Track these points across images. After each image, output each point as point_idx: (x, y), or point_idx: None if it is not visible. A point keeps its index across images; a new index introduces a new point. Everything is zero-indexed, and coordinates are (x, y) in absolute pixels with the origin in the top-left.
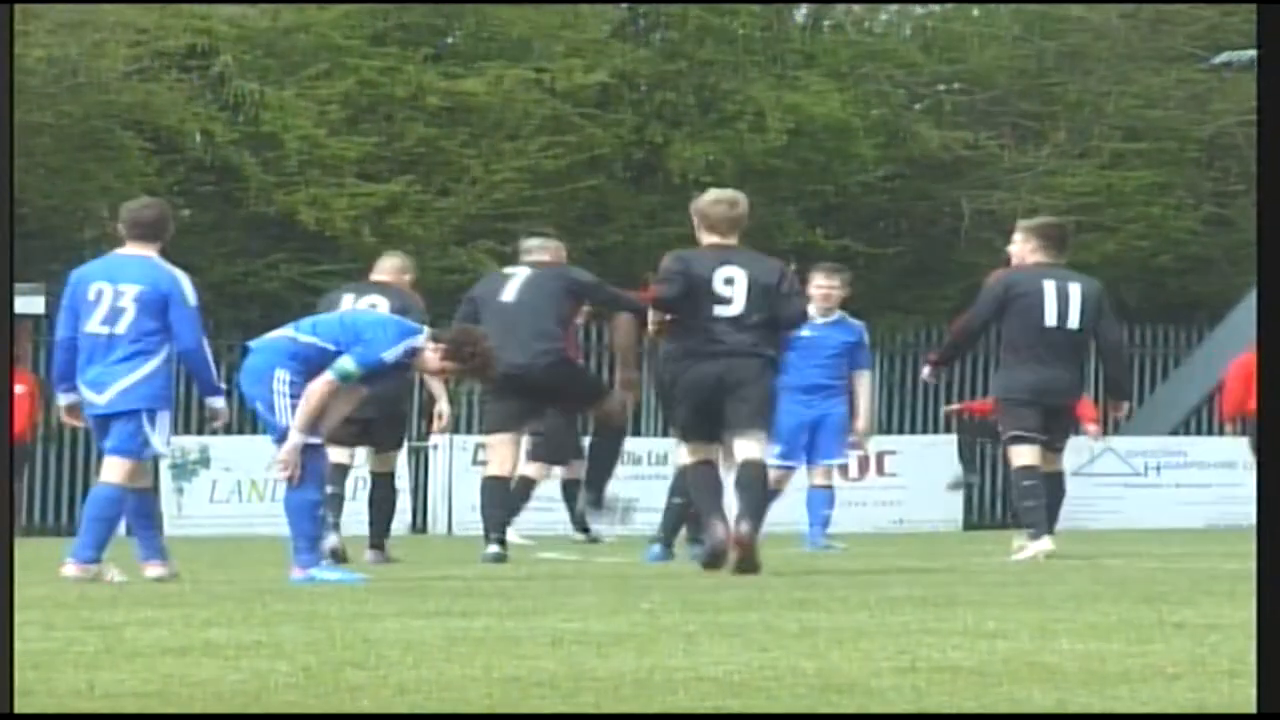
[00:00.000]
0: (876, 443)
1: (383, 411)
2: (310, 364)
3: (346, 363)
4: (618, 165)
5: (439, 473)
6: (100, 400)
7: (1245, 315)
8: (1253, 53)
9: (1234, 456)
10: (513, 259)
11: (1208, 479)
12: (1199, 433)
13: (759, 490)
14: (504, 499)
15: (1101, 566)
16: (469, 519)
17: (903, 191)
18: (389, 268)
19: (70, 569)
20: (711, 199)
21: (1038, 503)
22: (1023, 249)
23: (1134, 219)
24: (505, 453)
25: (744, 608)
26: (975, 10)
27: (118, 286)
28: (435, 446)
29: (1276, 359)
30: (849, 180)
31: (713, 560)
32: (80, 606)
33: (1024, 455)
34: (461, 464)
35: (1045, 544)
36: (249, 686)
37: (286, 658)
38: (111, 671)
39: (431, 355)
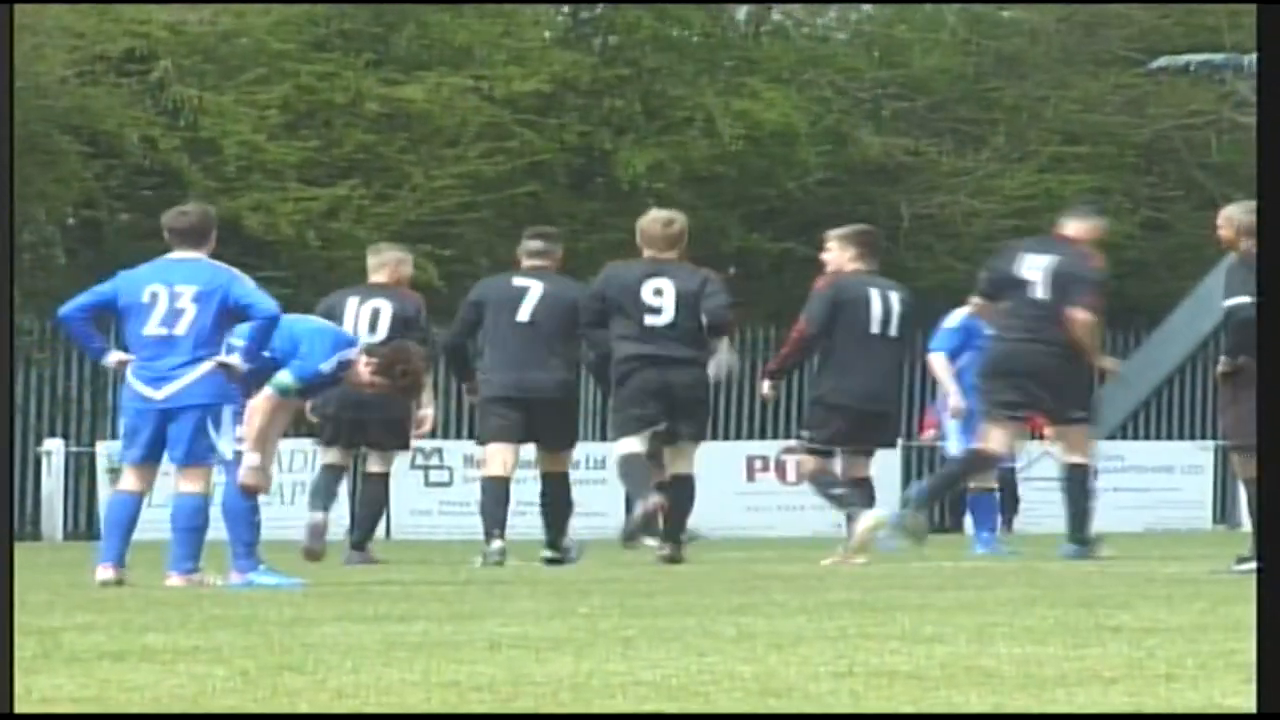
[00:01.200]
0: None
1: (384, 413)
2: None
3: (284, 377)
4: (559, 171)
5: None
6: (158, 396)
7: (1183, 320)
8: (1189, 58)
9: (1172, 461)
10: (451, 263)
11: (1146, 483)
12: (1137, 437)
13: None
14: (504, 498)
15: (1039, 570)
16: (407, 524)
17: (843, 196)
18: (388, 262)
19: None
20: (649, 218)
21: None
22: (840, 257)
23: None
24: (505, 456)
25: (682, 612)
26: (916, 14)
27: (174, 288)
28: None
29: (1277, 359)
30: (791, 185)
31: (634, 531)
32: (19, 611)
33: (810, 463)
34: (400, 468)
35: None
36: (186, 691)
37: (224, 662)
38: (49, 676)
39: (364, 369)
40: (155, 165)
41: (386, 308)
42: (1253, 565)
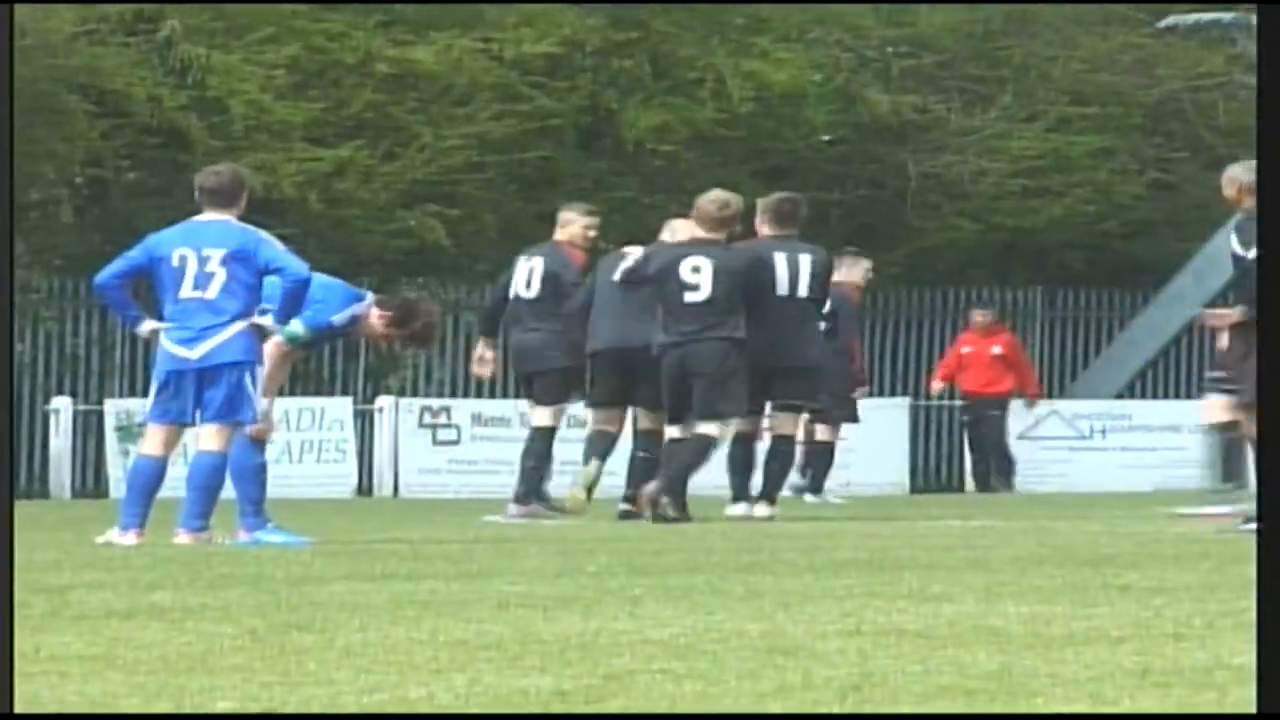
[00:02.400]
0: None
1: (540, 363)
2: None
3: (296, 326)
4: (567, 132)
5: (385, 436)
6: (193, 355)
7: (1189, 280)
8: (1197, 16)
9: (1179, 420)
10: (458, 223)
11: (1153, 442)
12: (1144, 396)
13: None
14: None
15: (1047, 530)
16: (415, 482)
17: (851, 155)
18: (562, 220)
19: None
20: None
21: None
22: (758, 224)
23: (1080, 183)
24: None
25: (689, 571)
26: None
27: (202, 251)
28: (381, 409)
29: (1277, 358)
30: (799, 144)
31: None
32: (27, 569)
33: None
34: (408, 427)
35: (763, 509)
36: (195, 649)
37: (233, 621)
38: (57, 635)
39: (376, 321)
40: (162, 124)
41: (539, 264)
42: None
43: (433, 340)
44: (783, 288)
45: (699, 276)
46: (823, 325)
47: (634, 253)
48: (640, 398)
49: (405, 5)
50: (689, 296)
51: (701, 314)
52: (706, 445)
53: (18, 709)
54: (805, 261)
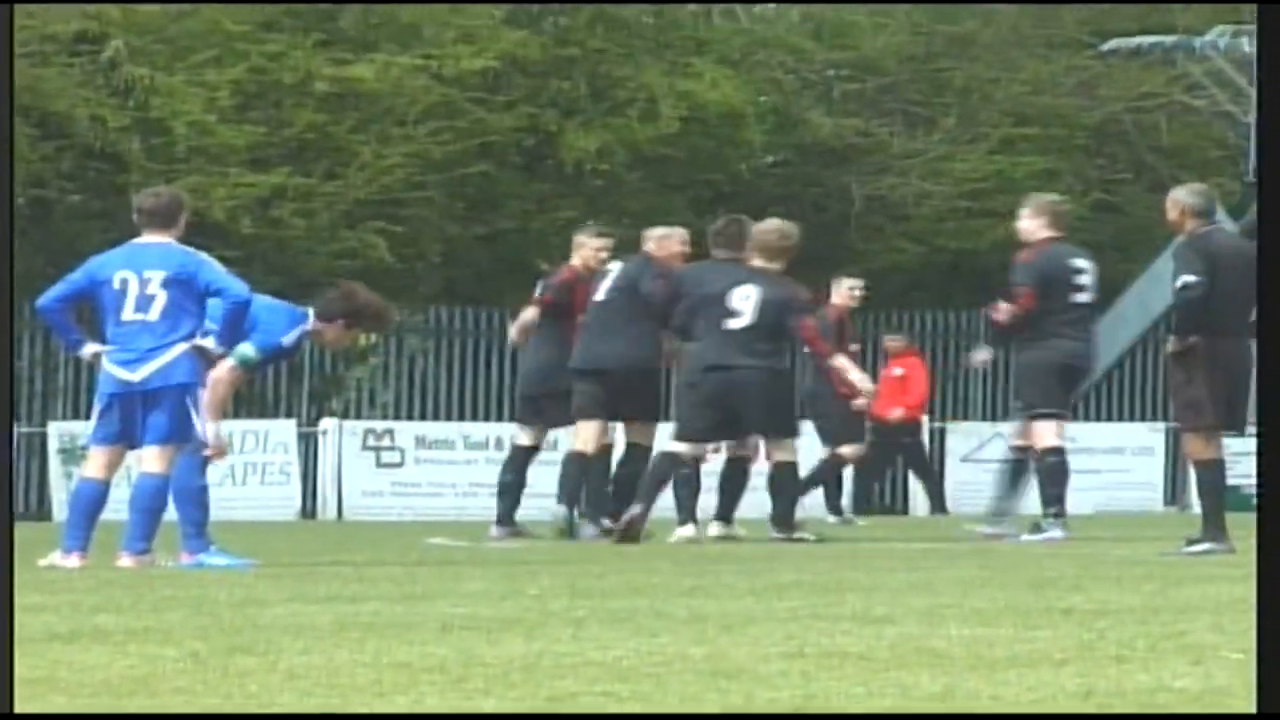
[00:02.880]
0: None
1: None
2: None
3: (247, 349)
4: (509, 152)
5: (329, 459)
6: (135, 377)
7: (1134, 302)
8: (1140, 40)
9: (1123, 442)
10: (401, 241)
11: (1096, 464)
12: (1089, 418)
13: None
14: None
15: (990, 551)
16: (359, 504)
17: (793, 178)
18: (575, 244)
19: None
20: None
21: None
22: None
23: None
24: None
25: (633, 593)
26: None
27: (143, 274)
28: (324, 432)
29: (1277, 358)
30: (739, 167)
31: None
32: None
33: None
34: (352, 450)
35: (688, 530)
36: (137, 672)
37: (175, 643)
38: None
39: (330, 330)
40: (105, 146)
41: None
42: (1204, 547)
43: (388, 315)
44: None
45: (746, 304)
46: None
47: (614, 269)
48: (625, 413)
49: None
50: (731, 323)
51: (744, 341)
52: (793, 468)
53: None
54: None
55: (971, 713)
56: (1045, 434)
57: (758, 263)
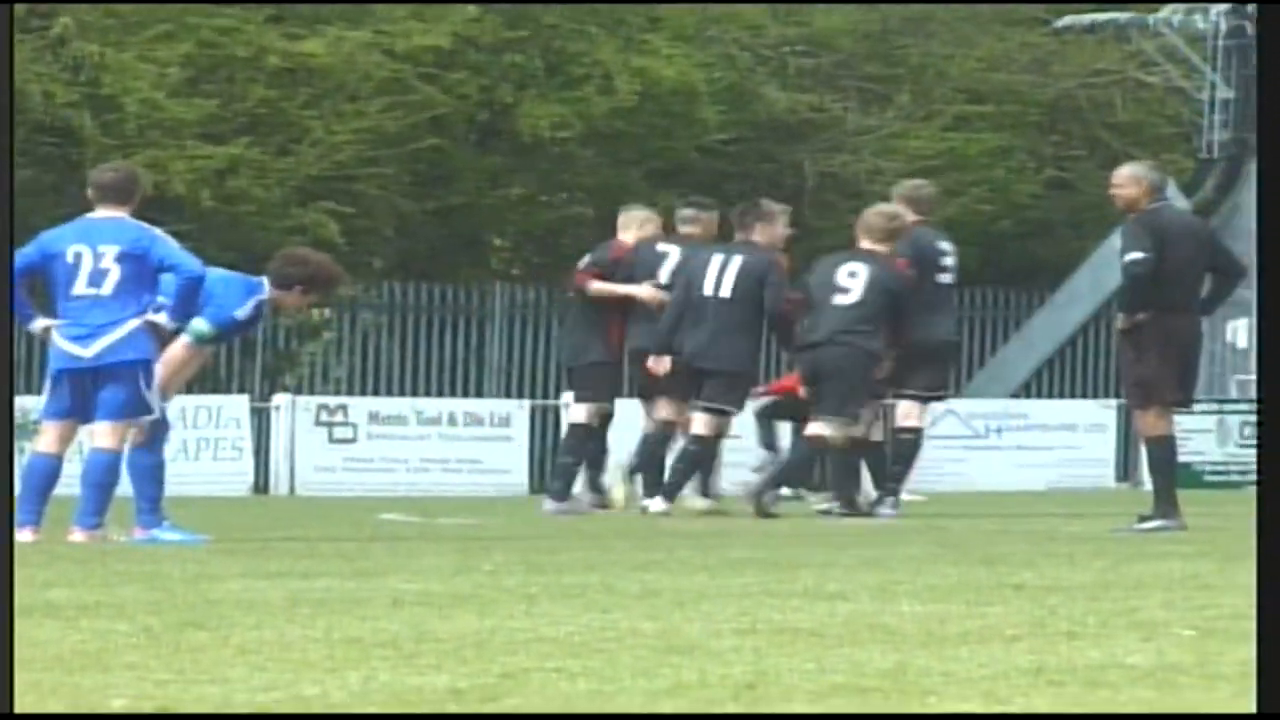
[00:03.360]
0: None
1: (576, 361)
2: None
3: (201, 325)
4: (460, 127)
5: (282, 434)
6: (87, 353)
7: (1086, 279)
8: (1094, 16)
9: (1075, 419)
10: (352, 219)
11: (1049, 441)
12: (1040, 395)
13: None
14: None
15: (942, 529)
16: (312, 480)
17: (747, 154)
18: (632, 221)
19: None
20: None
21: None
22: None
23: (976, 182)
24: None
25: (585, 569)
26: None
27: (97, 248)
28: (277, 408)
29: (1277, 358)
30: (694, 143)
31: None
32: None
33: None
34: (305, 425)
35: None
36: (89, 647)
37: (127, 618)
38: None
39: (288, 297)
40: (55, 122)
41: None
42: (1155, 524)
43: (341, 277)
44: (709, 288)
45: (854, 281)
46: None
47: (672, 251)
48: (665, 390)
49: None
50: (838, 299)
51: (846, 318)
52: (819, 446)
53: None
54: (735, 262)
55: (922, 689)
56: (910, 414)
57: (865, 244)
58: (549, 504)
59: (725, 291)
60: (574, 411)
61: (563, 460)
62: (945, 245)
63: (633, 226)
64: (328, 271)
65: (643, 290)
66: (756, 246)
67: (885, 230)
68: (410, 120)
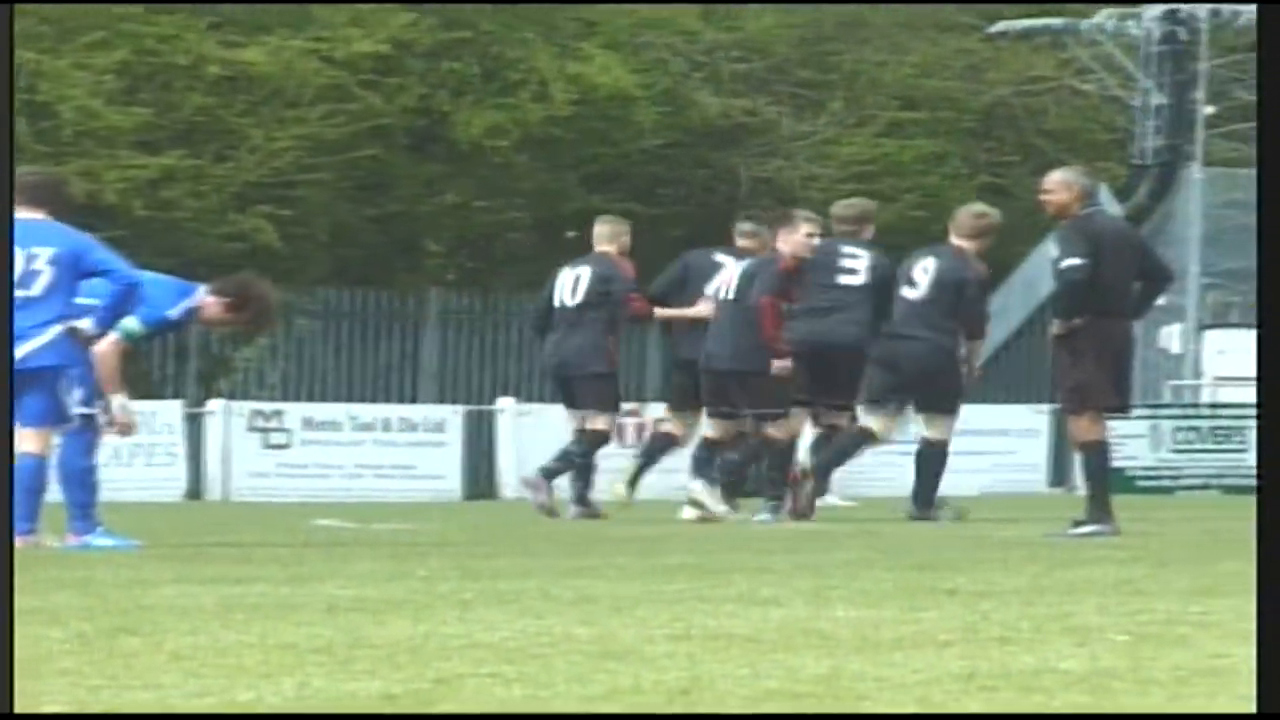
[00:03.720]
0: (652, 410)
1: (582, 370)
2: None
3: (131, 323)
4: (398, 134)
5: (215, 439)
6: (15, 355)
7: (1019, 285)
8: (1028, 23)
9: (1008, 424)
10: (290, 224)
11: (982, 446)
12: (974, 400)
13: None
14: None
15: (876, 533)
16: (246, 485)
17: (682, 159)
18: (605, 235)
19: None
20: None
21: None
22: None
23: (911, 188)
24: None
25: (520, 575)
26: None
27: (30, 250)
28: (211, 413)
29: (1276, 358)
30: (629, 148)
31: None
32: None
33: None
34: (239, 430)
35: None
36: (23, 653)
37: (61, 624)
38: None
39: (214, 308)
40: None
41: (585, 272)
42: (1089, 528)
43: (273, 321)
44: (728, 292)
45: (924, 276)
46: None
47: (728, 262)
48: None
49: (236, 5)
50: (906, 292)
51: (916, 312)
52: (943, 447)
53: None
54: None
55: (856, 694)
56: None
57: (953, 240)
58: (573, 509)
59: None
60: (591, 419)
61: (581, 466)
62: (851, 249)
63: (608, 240)
64: (262, 305)
65: (704, 309)
66: (776, 253)
67: (974, 226)
68: (349, 128)
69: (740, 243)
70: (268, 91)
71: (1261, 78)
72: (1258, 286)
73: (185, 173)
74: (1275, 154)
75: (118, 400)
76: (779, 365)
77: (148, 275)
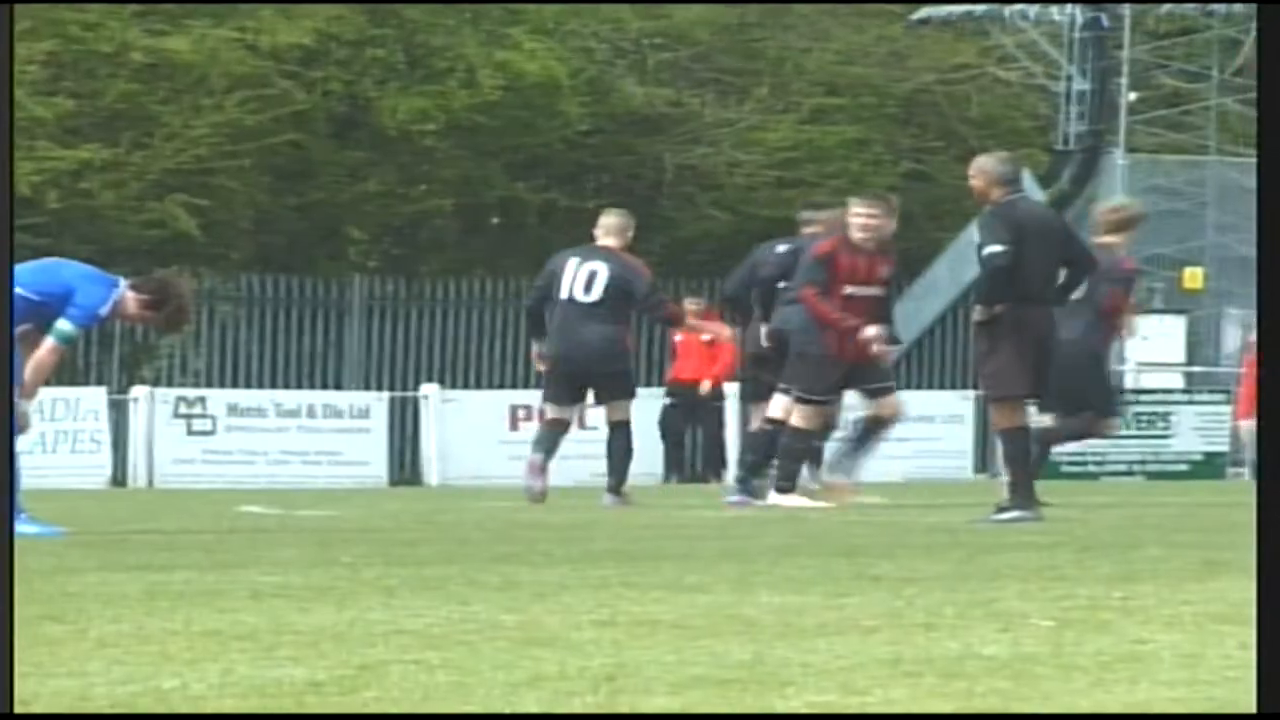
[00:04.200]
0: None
1: (607, 366)
2: (17, 315)
3: (66, 326)
4: (321, 121)
5: (140, 426)
6: None
7: (944, 270)
8: (950, 9)
9: (933, 410)
10: (209, 213)
11: (906, 433)
12: (898, 386)
13: None
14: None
15: (800, 520)
16: (170, 472)
17: (607, 147)
18: (615, 228)
19: None
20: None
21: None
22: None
23: (834, 174)
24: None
25: (445, 561)
26: None
27: None
28: (136, 400)
29: (1276, 359)
30: (555, 135)
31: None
32: None
33: None
34: (163, 417)
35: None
36: None
37: None
38: None
39: (132, 304)
40: None
41: (603, 270)
42: (1012, 514)
43: (187, 322)
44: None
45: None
46: None
47: (781, 246)
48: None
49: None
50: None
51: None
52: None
53: None
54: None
55: (780, 680)
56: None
57: (1098, 239)
58: (609, 498)
59: None
60: (615, 410)
61: (622, 456)
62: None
63: (615, 234)
64: (177, 308)
65: (722, 330)
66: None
67: (1108, 223)
68: (270, 114)
69: (804, 230)
70: (190, 80)
71: (1262, 77)
72: (1258, 285)
73: (104, 162)
74: (1275, 154)
75: (25, 405)
76: (867, 338)
77: (77, 269)
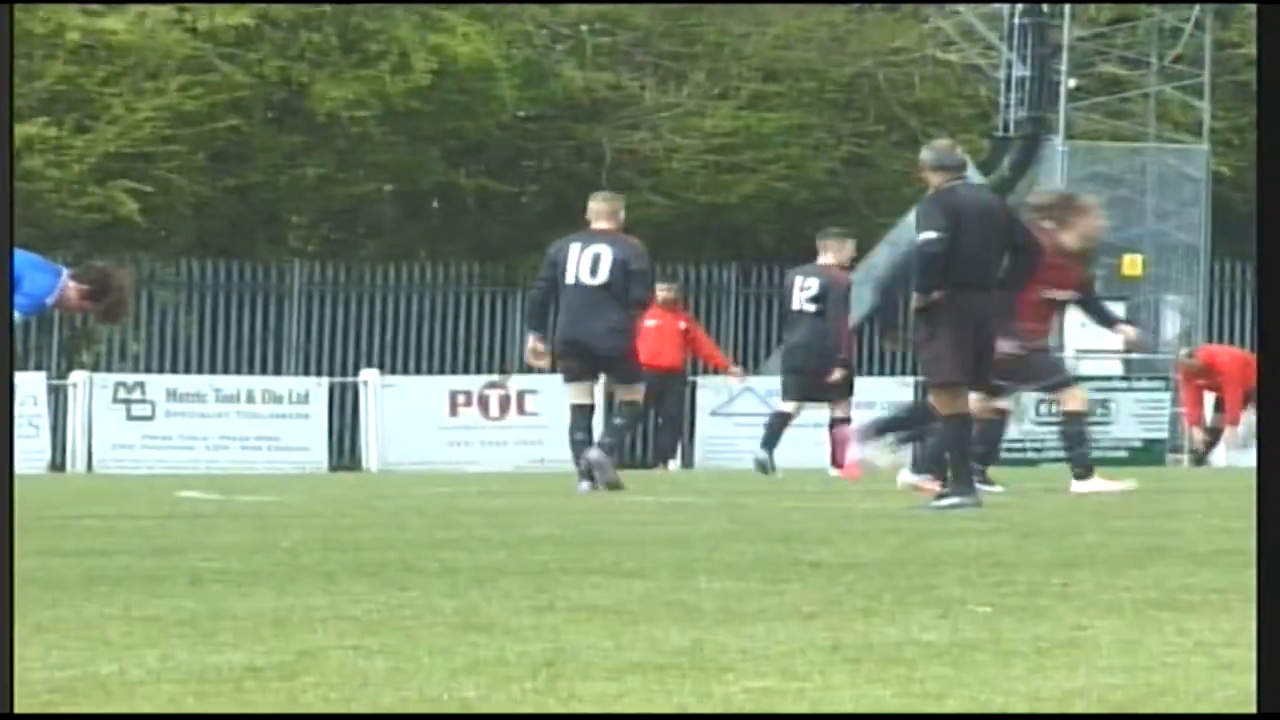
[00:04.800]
0: (518, 381)
1: (615, 350)
2: None
3: (14, 316)
4: (258, 105)
5: (79, 411)
6: None
7: (884, 256)
8: None
9: (873, 396)
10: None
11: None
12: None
13: None
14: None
15: (740, 506)
16: (109, 457)
17: (545, 131)
18: (606, 212)
19: None
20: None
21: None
22: None
23: (773, 160)
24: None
25: (384, 547)
26: None
27: None
28: (75, 385)
29: (1276, 359)
30: (492, 120)
31: None
32: None
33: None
34: (102, 402)
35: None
36: None
37: None
38: None
39: (73, 293)
40: None
41: (607, 253)
42: (950, 501)
43: (125, 313)
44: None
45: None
46: (813, 307)
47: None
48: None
49: None
50: None
51: None
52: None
53: None
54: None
55: (719, 665)
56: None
57: None
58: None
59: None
60: (628, 391)
61: (619, 432)
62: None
63: (608, 217)
64: (116, 300)
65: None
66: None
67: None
68: (209, 99)
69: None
70: (129, 62)
71: (1262, 77)
72: (1258, 286)
73: (46, 143)
74: (1275, 154)
75: None
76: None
77: (23, 256)
